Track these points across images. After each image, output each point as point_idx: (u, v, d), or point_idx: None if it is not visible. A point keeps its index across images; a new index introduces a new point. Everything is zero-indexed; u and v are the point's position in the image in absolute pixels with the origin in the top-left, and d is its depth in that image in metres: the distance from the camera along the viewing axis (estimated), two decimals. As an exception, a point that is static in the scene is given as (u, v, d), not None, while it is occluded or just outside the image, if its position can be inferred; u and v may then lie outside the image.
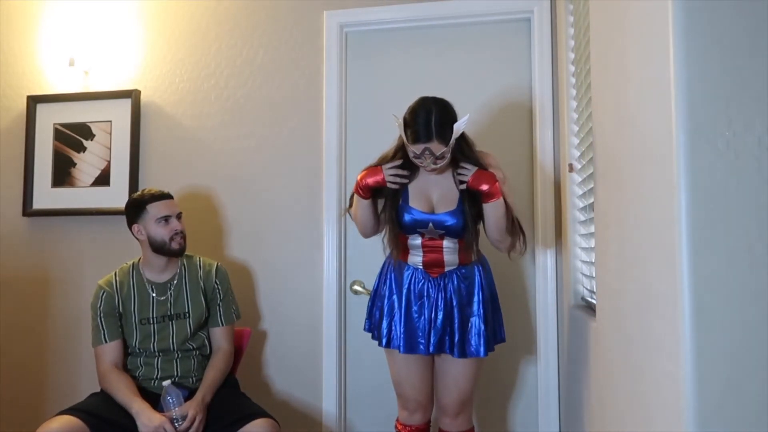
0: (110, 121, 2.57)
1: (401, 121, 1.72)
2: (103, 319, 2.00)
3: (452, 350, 1.78)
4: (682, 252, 0.80)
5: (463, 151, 1.77)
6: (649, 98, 0.93)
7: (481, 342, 1.78)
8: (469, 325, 1.80)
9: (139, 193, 2.08)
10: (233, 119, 2.51)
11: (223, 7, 2.55)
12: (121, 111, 2.55)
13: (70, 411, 1.80)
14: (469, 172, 1.73)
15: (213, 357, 2.06)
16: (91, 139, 2.58)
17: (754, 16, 0.79)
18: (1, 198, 2.66)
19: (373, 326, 1.90)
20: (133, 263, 2.10)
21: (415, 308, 1.81)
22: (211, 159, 2.52)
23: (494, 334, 1.85)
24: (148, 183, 2.52)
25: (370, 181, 1.77)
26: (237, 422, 1.83)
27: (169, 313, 2.03)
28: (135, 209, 2.03)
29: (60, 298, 2.58)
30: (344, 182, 2.43)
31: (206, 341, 2.09)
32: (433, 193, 1.82)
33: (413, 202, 1.81)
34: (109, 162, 2.56)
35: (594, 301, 1.62)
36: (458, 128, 1.67)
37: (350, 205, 1.94)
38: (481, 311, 1.80)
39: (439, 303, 1.79)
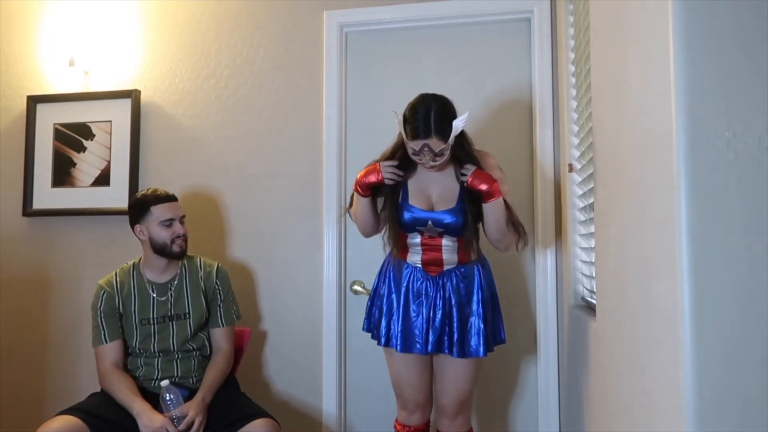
0: (110, 121, 2.57)
1: (401, 117, 1.73)
2: (103, 319, 1.99)
3: (451, 350, 1.78)
4: (682, 252, 0.80)
5: (464, 148, 1.76)
6: (649, 98, 0.93)
7: (481, 342, 1.77)
8: (469, 324, 1.79)
9: (143, 192, 2.06)
10: (233, 119, 2.51)
11: (223, 7, 2.55)
12: (121, 111, 2.55)
13: (70, 411, 1.80)
14: (468, 171, 1.73)
15: (213, 357, 2.06)
16: (91, 139, 2.58)
17: (754, 17, 0.79)
18: (1, 198, 2.66)
19: (372, 326, 1.90)
20: (133, 263, 2.10)
21: (413, 307, 1.81)
22: (211, 159, 2.52)
23: (494, 334, 1.85)
24: (148, 183, 2.52)
25: (369, 178, 1.78)
26: (237, 422, 1.83)
27: (169, 314, 2.03)
28: (139, 209, 2.02)
29: (60, 298, 2.58)
30: (344, 182, 2.43)
31: (206, 342, 2.08)
32: (433, 191, 1.82)
33: (413, 200, 1.81)
34: (109, 162, 2.56)
35: (594, 301, 1.62)
36: (458, 126, 1.67)
37: (350, 205, 1.94)
38: (481, 311, 1.80)
39: (438, 302, 1.79)
